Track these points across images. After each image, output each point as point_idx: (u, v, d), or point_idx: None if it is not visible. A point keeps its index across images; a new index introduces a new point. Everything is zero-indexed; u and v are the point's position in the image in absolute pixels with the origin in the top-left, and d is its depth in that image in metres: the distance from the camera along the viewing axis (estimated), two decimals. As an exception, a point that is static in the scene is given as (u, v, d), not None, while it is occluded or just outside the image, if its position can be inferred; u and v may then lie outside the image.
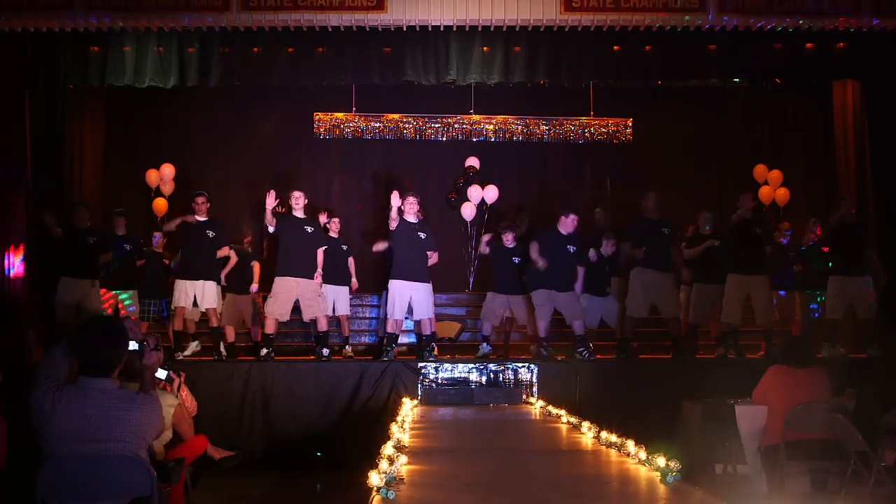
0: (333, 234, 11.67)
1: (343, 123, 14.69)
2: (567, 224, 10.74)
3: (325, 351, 10.56)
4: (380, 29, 11.97)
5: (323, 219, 11.77)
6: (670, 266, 11.11)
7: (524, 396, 9.75)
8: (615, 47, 12.44)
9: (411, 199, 10.68)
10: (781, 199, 14.90)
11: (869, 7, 11.77)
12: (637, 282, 10.97)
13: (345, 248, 11.66)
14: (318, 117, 14.74)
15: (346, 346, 11.83)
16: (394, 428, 6.41)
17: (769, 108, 15.40)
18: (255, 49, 12.34)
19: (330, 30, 11.98)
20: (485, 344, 11.11)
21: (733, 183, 14.92)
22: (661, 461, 4.80)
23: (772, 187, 14.90)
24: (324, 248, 10.72)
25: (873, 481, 6.02)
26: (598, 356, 10.93)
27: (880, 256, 12.05)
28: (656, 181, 14.36)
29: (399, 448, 5.46)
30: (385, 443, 5.48)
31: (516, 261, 11.21)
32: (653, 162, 15.50)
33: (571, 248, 10.76)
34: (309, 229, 10.74)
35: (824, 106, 14.18)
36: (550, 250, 10.61)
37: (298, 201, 10.58)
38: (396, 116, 14.96)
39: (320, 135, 14.79)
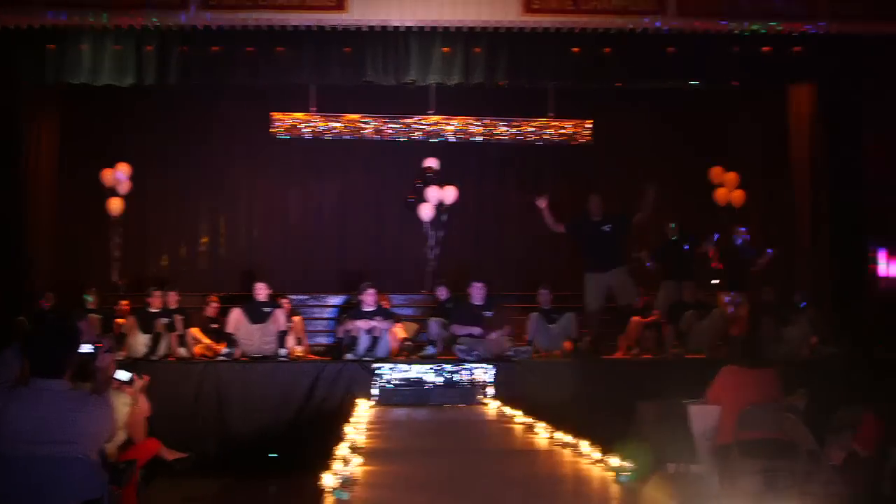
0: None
1: (301, 123, 14.49)
2: (475, 291, 11.04)
3: (283, 351, 10.57)
4: (340, 29, 11.96)
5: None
6: (618, 261, 11.22)
7: (480, 397, 9.73)
8: (574, 49, 12.37)
9: (370, 292, 11.01)
10: (738, 200, 14.85)
11: (825, 12, 11.94)
12: (588, 283, 11.21)
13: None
14: (276, 117, 14.52)
15: (300, 346, 11.87)
16: (348, 429, 6.37)
17: (727, 110, 15.34)
18: (214, 48, 12.18)
19: (290, 29, 11.96)
20: (430, 346, 11.19)
21: (691, 184, 15.14)
22: (615, 461, 4.81)
23: (728, 189, 14.87)
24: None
25: (823, 480, 6.06)
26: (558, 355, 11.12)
27: (836, 259, 12.59)
28: (615, 182, 14.47)
29: (353, 449, 5.41)
30: (339, 444, 5.45)
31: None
32: (612, 163, 15.49)
33: None
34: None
35: (781, 109, 14.17)
36: None
37: None
38: (356, 117, 14.72)
39: (278, 135, 14.54)
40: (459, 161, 15.44)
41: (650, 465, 6.72)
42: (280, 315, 10.87)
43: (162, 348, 10.91)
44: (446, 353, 11.00)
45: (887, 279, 12.68)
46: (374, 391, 9.77)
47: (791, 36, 12.22)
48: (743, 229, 12.40)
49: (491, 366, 9.96)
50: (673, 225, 12.51)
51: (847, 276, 12.87)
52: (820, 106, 13.35)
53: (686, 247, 12.33)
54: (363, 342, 10.78)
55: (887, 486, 4.87)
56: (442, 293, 12.80)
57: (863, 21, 12.10)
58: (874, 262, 12.76)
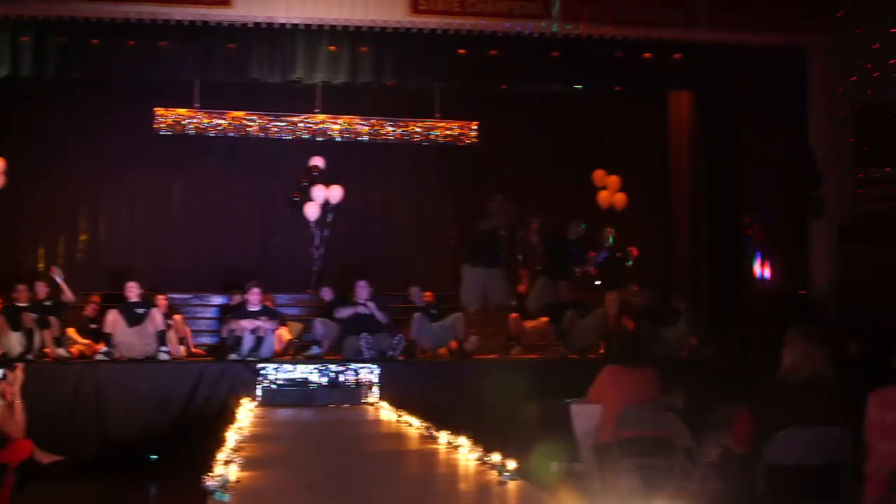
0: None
1: (185, 119, 14.13)
2: (360, 290, 11.08)
3: (164, 350, 10.32)
4: (225, 25, 11.80)
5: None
6: (499, 261, 11.58)
7: (365, 398, 9.69)
8: (461, 51, 12.40)
9: (255, 291, 10.99)
10: (619, 203, 14.91)
11: (703, 20, 12.21)
12: (465, 279, 11.54)
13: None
14: (159, 113, 14.18)
15: (183, 346, 11.70)
16: (230, 430, 6.27)
17: (610, 114, 15.39)
18: (94, 41, 11.84)
19: (173, 24, 11.75)
20: (315, 346, 11.09)
21: (574, 187, 15.16)
22: (496, 459, 4.84)
23: (610, 192, 14.93)
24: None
25: (699, 476, 6.17)
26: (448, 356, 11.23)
27: (714, 261, 13.09)
28: (501, 184, 14.20)
29: (235, 450, 5.32)
30: (221, 445, 5.36)
31: None
32: (498, 164, 15.50)
33: None
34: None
35: (662, 114, 14.66)
36: None
37: None
38: (241, 114, 14.44)
39: (161, 130, 14.17)
40: (345, 160, 15.26)
41: (535, 464, 6.82)
42: (156, 315, 10.61)
43: (36, 343, 10.56)
44: (332, 352, 10.90)
45: (762, 281, 12.75)
46: (259, 392, 9.65)
47: (671, 43, 12.43)
48: (601, 256, 12.66)
49: (376, 366, 9.91)
50: (583, 225, 12.48)
51: (725, 278, 13.19)
52: (698, 112, 13.85)
53: (574, 249, 12.37)
54: (247, 342, 10.67)
55: (760, 482, 4.88)
56: (327, 293, 12.69)
57: (739, 30, 12.32)
58: (750, 264, 12.80)
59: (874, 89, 12.54)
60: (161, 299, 11.63)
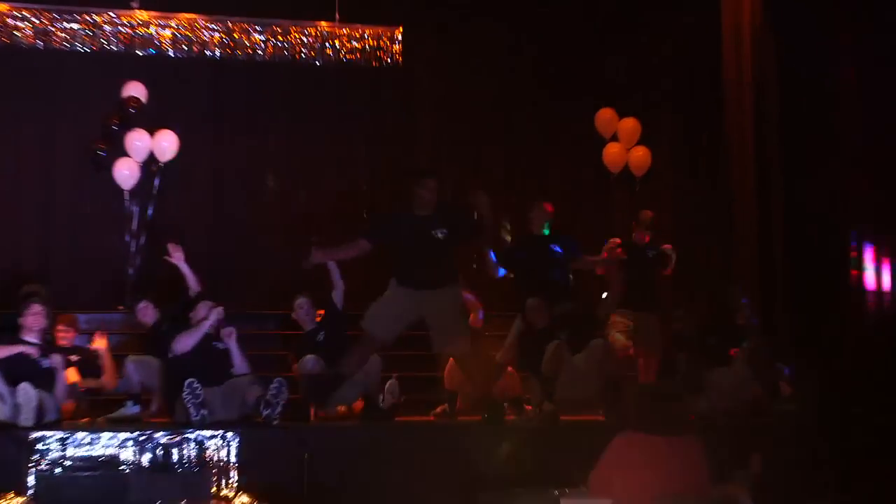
0: None
1: None
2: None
3: None
4: None
5: None
6: (445, 279, 11.02)
7: (216, 487, 9.12)
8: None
9: (35, 309, 10.61)
10: (639, 163, 14.54)
11: None
12: (388, 298, 11.07)
13: None
14: None
15: None
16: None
17: (622, 23, 15.12)
18: None
19: None
20: (130, 402, 10.63)
21: (562, 137, 15.18)
22: None
23: (623, 145, 14.48)
24: None
25: None
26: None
27: (794, 262, 12.82)
28: (440, 134, 14.57)
29: None
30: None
31: None
32: (434, 99, 15.12)
33: None
34: None
35: (708, 26, 14.14)
36: None
37: None
38: (5, 7, 13.56)
39: None
40: (183, 91, 14.77)
41: None
42: None
43: None
44: (159, 412, 10.57)
45: (877, 293, 12.74)
46: (32, 481, 9.00)
47: None
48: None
49: (234, 433, 9.31)
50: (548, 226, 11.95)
51: (814, 288, 12.71)
52: (769, 18, 13.32)
53: (558, 249, 11.89)
54: (22, 396, 10.04)
55: None
56: (148, 312, 11.84)
57: None
58: (857, 265, 12.82)
59: None
60: None
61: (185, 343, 10.40)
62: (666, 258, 12.61)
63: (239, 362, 10.49)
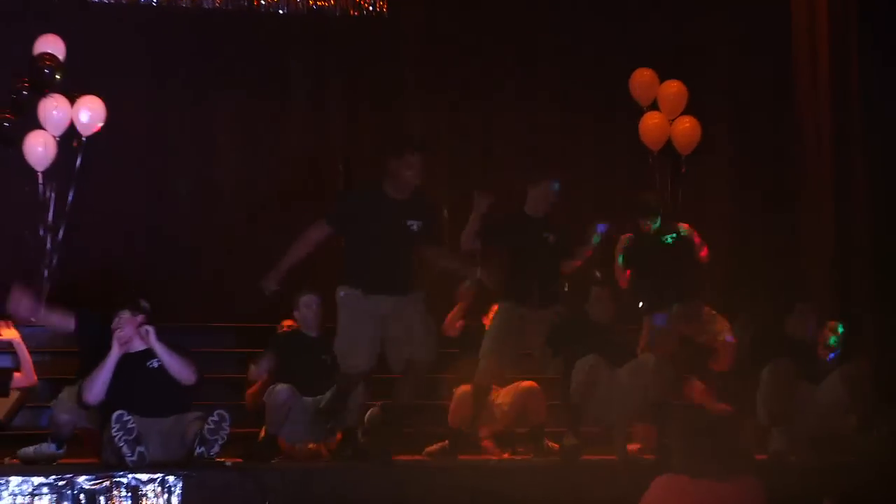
0: None
1: None
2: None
3: None
4: None
5: None
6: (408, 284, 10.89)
7: None
8: None
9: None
10: (684, 139, 13.89)
11: None
12: (345, 310, 10.90)
13: None
14: None
15: None
16: None
17: None
18: None
19: None
20: (50, 440, 10.35)
21: (590, 105, 14.92)
22: None
23: (666, 115, 13.77)
24: None
25: None
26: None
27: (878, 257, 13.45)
28: (427, 94, 14.60)
29: None
30: None
31: None
32: (425, 55, 15.06)
33: None
34: None
35: None
36: None
37: None
38: None
39: None
40: (112, 46, 14.26)
41: None
42: None
43: None
44: (87, 447, 10.31)
45: None
46: None
47: None
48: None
49: (175, 477, 9.15)
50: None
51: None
52: None
53: (547, 235, 11.60)
54: None
55: None
56: (70, 322, 11.06)
57: None
58: None
59: None
60: None
61: (94, 391, 10.09)
62: (687, 242, 12.37)
63: (175, 367, 10.06)
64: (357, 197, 11.08)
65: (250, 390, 11.61)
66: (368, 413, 11.14)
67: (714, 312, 11.95)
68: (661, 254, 12.22)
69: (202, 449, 9.56)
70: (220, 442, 9.59)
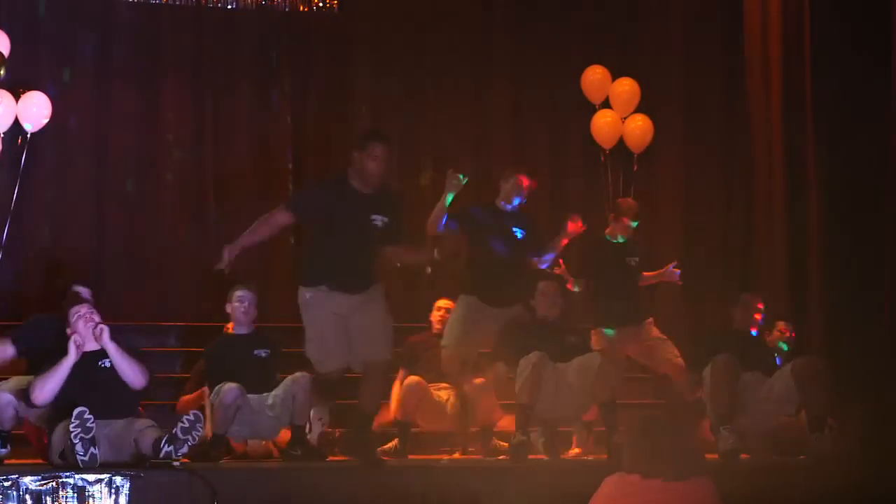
0: None
1: None
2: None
3: None
4: None
5: None
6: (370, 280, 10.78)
7: None
8: None
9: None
10: (636, 139, 14.10)
11: None
12: (310, 309, 10.90)
13: None
14: None
15: None
16: None
17: None
18: None
19: None
20: None
21: (541, 102, 14.85)
22: None
23: (618, 114, 13.94)
24: None
25: None
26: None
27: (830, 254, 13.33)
28: (376, 93, 14.49)
29: None
30: None
31: None
32: (376, 52, 14.85)
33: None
34: None
35: None
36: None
37: None
38: None
39: None
40: (57, 39, 14.20)
41: None
42: None
43: None
44: (36, 448, 10.43)
45: None
46: None
47: None
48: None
49: (124, 479, 8.17)
50: (462, 177, 11.38)
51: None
52: None
53: (517, 228, 11.62)
54: None
55: None
56: (7, 350, 11.22)
57: None
58: None
59: None
60: None
61: (44, 391, 10.04)
62: (644, 265, 12.61)
63: (125, 370, 10.01)
64: (322, 186, 11.00)
65: (187, 397, 11.69)
66: (318, 419, 11.37)
67: (664, 336, 12.03)
68: (620, 268, 12.39)
69: (170, 448, 9.59)
70: (190, 442, 9.63)
